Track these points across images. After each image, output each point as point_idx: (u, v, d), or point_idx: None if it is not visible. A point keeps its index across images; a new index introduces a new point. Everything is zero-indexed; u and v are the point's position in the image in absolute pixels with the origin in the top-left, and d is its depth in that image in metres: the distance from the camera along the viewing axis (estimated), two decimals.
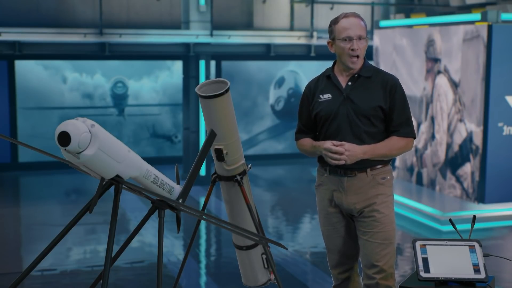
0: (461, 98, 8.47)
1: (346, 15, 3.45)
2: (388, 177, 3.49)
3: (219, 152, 3.61)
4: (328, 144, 3.37)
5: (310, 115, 3.54)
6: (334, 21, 3.46)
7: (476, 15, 8.32)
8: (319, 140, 3.50)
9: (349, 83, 3.45)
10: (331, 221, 3.57)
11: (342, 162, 3.34)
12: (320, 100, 3.49)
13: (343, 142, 3.36)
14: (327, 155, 3.38)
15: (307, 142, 3.57)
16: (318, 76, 3.60)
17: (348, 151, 3.33)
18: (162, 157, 11.98)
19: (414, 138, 3.49)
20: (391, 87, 3.42)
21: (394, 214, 3.55)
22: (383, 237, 3.43)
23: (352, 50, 3.38)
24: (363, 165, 3.42)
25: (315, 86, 3.55)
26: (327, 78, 3.52)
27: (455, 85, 8.59)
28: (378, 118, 3.42)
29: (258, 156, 12.31)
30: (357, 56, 3.40)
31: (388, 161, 3.51)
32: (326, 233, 3.61)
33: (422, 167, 9.33)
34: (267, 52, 11.42)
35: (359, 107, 3.40)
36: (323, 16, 12.27)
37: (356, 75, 3.45)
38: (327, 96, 3.47)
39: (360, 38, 3.39)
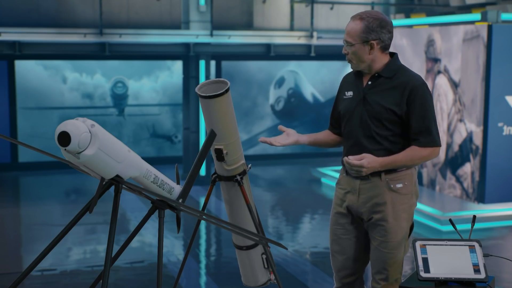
0: (461, 98, 8.46)
1: (351, 18, 3.36)
2: (406, 183, 3.33)
3: (219, 152, 3.61)
4: (351, 159, 3.26)
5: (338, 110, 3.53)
6: None
7: (476, 15, 8.32)
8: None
9: (369, 83, 3.34)
10: (340, 221, 3.50)
11: (362, 174, 3.27)
12: (344, 97, 3.45)
13: (363, 155, 3.24)
14: (347, 167, 3.32)
15: (323, 135, 3.62)
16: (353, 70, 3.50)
17: (367, 168, 3.22)
18: (162, 157, 11.98)
19: (438, 146, 3.28)
20: (410, 91, 3.23)
21: (410, 222, 3.40)
22: (391, 247, 3.34)
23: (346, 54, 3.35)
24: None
25: (345, 80, 3.52)
26: (355, 74, 3.44)
27: (455, 85, 8.59)
28: (391, 121, 3.27)
29: (258, 156, 12.30)
30: (351, 60, 3.33)
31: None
32: (333, 231, 3.53)
33: (422, 167, 9.33)
34: (267, 52, 11.42)
35: (372, 108, 3.30)
36: (323, 16, 12.27)
37: (376, 75, 3.33)
38: (349, 94, 3.42)
39: (348, 44, 3.30)
